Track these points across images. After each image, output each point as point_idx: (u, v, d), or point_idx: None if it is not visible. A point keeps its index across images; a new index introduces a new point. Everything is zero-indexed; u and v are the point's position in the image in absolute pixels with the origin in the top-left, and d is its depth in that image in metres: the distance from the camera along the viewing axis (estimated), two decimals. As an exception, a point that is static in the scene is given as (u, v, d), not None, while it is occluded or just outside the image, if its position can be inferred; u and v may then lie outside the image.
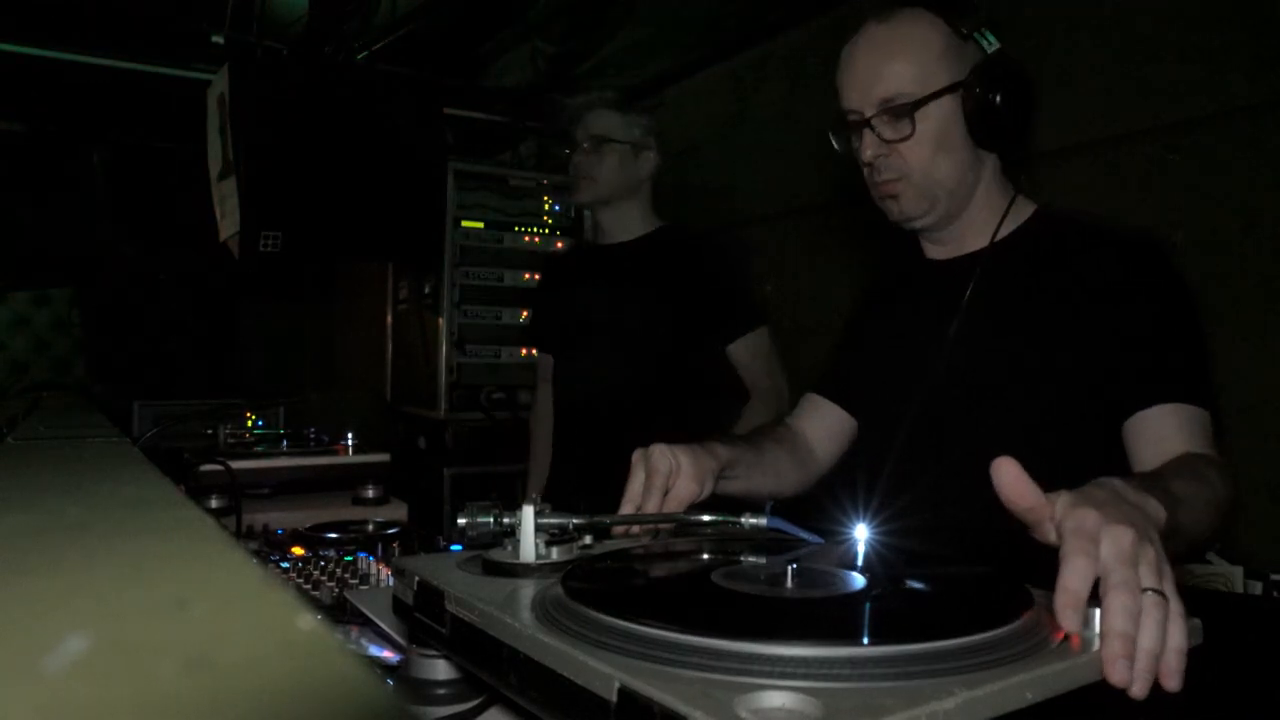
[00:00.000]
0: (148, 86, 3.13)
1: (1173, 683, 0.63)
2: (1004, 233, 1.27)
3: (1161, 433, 1.10)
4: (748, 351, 2.15)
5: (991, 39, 1.20)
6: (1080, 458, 1.00)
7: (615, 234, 2.29)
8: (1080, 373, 1.17)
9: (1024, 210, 1.30)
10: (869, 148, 1.24)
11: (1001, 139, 1.24)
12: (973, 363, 1.24)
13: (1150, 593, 0.65)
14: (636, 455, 1.11)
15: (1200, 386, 1.13)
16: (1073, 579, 0.65)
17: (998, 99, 1.18)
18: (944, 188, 1.25)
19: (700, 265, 2.18)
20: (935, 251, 1.36)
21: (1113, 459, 1.12)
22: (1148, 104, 1.97)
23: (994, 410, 1.22)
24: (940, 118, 1.21)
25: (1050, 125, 2.14)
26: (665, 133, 2.31)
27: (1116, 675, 0.60)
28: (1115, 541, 0.66)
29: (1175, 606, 0.66)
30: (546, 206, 3.45)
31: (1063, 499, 0.71)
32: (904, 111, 1.20)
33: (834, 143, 1.30)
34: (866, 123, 1.23)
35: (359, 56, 3.01)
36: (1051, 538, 0.70)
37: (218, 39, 2.97)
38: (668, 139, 2.34)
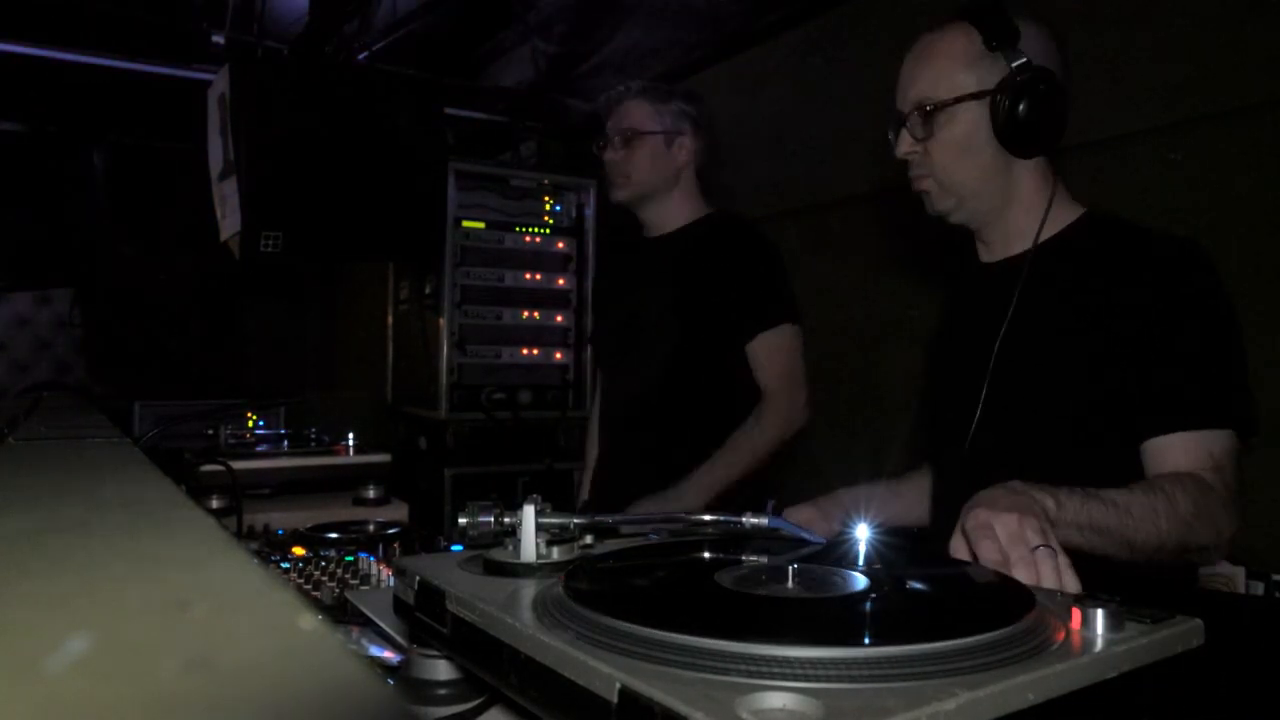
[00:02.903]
0: (148, 86, 3.13)
1: None
2: (1047, 235, 1.30)
3: (1166, 459, 1.14)
4: (765, 350, 2.00)
5: (1039, 51, 1.25)
6: (1104, 472, 1.06)
7: (659, 226, 2.19)
8: (1107, 386, 1.19)
9: (1070, 213, 1.32)
10: (902, 144, 1.32)
11: (1027, 146, 1.27)
12: (1014, 371, 1.27)
13: (1041, 548, 0.85)
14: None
15: (1219, 407, 1.15)
16: (989, 553, 0.88)
17: (1020, 108, 1.22)
18: (967, 188, 1.31)
19: (731, 255, 2.06)
20: (984, 254, 1.41)
21: (1133, 475, 1.14)
22: (1148, 104, 1.96)
23: (1028, 419, 1.25)
24: (966, 122, 1.27)
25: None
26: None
27: None
28: (1004, 526, 0.87)
29: (1064, 558, 0.86)
30: (547, 206, 3.44)
31: (965, 509, 0.93)
32: (929, 114, 1.28)
33: (890, 138, 1.38)
34: (903, 122, 1.32)
35: (359, 56, 3.01)
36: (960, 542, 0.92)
37: (218, 39, 2.97)
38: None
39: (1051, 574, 0.85)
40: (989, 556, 0.87)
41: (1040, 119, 1.23)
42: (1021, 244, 1.32)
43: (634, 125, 2.10)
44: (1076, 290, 1.25)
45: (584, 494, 2.30)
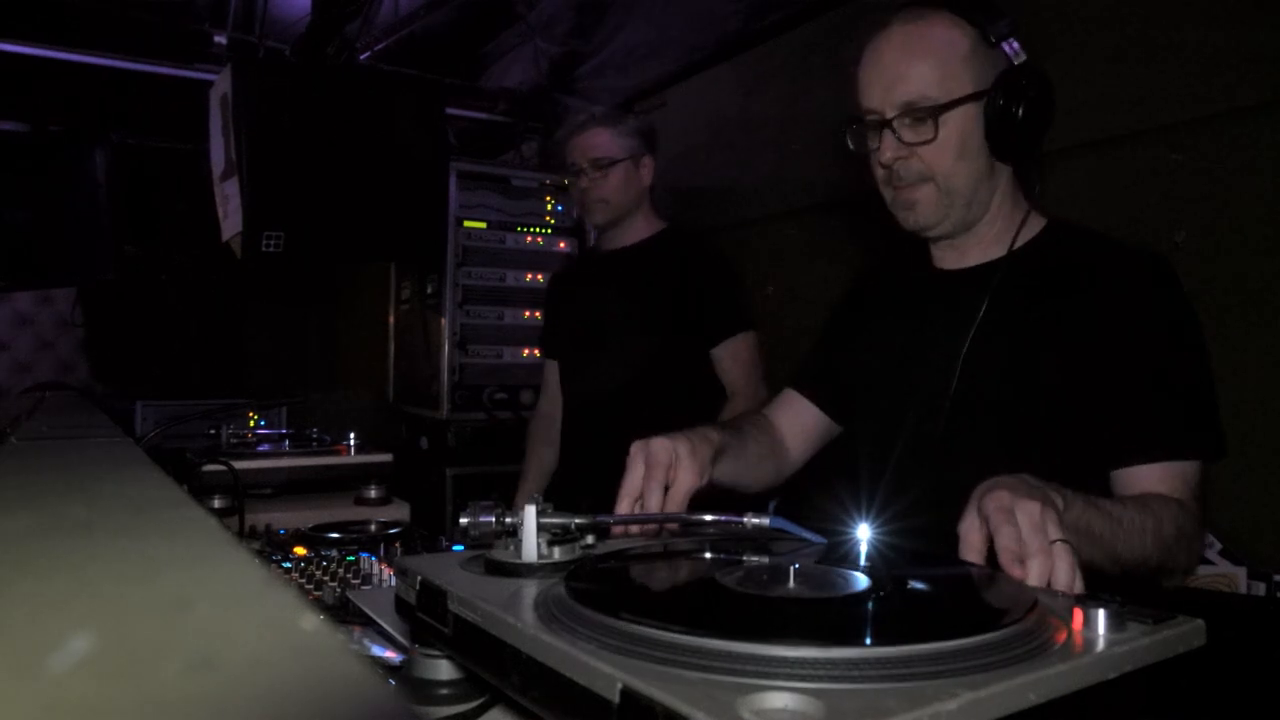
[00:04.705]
0: (150, 86, 3.14)
1: None
2: (1017, 245, 1.24)
3: (1141, 487, 1.11)
4: (729, 356, 2.19)
5: (1018, 48, 1.17)
6: (1073, 480, 1.01)
7: (618, 240, 2.36)
8: (1081, 400, 1.15)
9: (1036, 223, 1.27)
10: (888, 150, 1.20)
11: (1020, 151, 1.20)
12: (983, 376, 1.22)
13: (1059, 543, 0.81)
14: (635, 447, 1.09)
15: (1192, 438, 1.12)
16: (1008, 541, 0.82)
17: (1020, 111, 1.14)
18: (961, 196, 1.21)
19: (690, 268, 2.23)
20: (945, 261, 1.33)
21: (1096, 482, 1.12)
22: (1148, 104, 1.96)
23: (999, 424, 1.21)
24: (963, 124, 1.17)
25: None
26: (667, 133, 2.32)
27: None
28: (1028, 514, 0.82)
29: (1077, 557, 0.82)
30: (549, 207, 3.44)
31: (979, 490, 0.88)
32: (926, 115, 1.16)
33: (849, 142, 1.26)
34: (887, 124, 1.19)
35: (361, 57, 3.01)
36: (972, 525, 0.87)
37: (220, 39, 2.98)
38: (669, 140, 2.35)
39: (1067, 570, 0.81)
40: (1007, 545, 0.81)
41: (1035, 123, 1.16)
42: (987, 252, 1.27)
43: (606, 153, 2.25)
44: (1053, 297, 1.19)
45: (528, 492, 2.42)
